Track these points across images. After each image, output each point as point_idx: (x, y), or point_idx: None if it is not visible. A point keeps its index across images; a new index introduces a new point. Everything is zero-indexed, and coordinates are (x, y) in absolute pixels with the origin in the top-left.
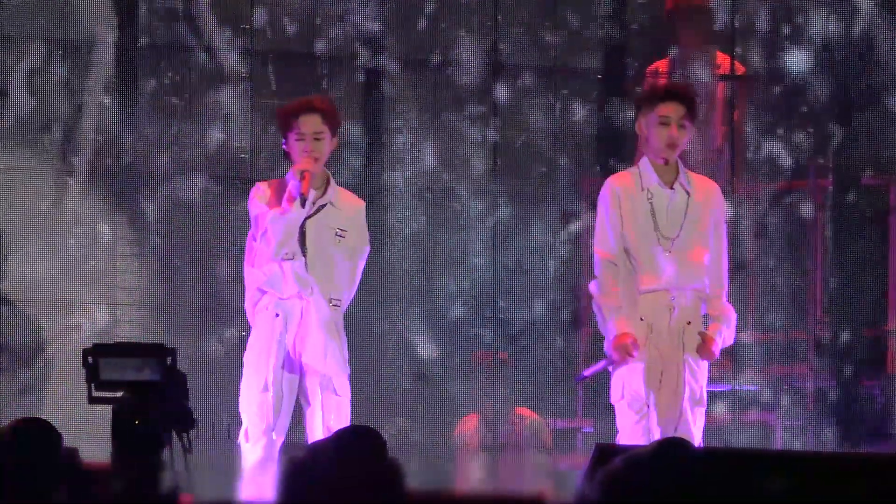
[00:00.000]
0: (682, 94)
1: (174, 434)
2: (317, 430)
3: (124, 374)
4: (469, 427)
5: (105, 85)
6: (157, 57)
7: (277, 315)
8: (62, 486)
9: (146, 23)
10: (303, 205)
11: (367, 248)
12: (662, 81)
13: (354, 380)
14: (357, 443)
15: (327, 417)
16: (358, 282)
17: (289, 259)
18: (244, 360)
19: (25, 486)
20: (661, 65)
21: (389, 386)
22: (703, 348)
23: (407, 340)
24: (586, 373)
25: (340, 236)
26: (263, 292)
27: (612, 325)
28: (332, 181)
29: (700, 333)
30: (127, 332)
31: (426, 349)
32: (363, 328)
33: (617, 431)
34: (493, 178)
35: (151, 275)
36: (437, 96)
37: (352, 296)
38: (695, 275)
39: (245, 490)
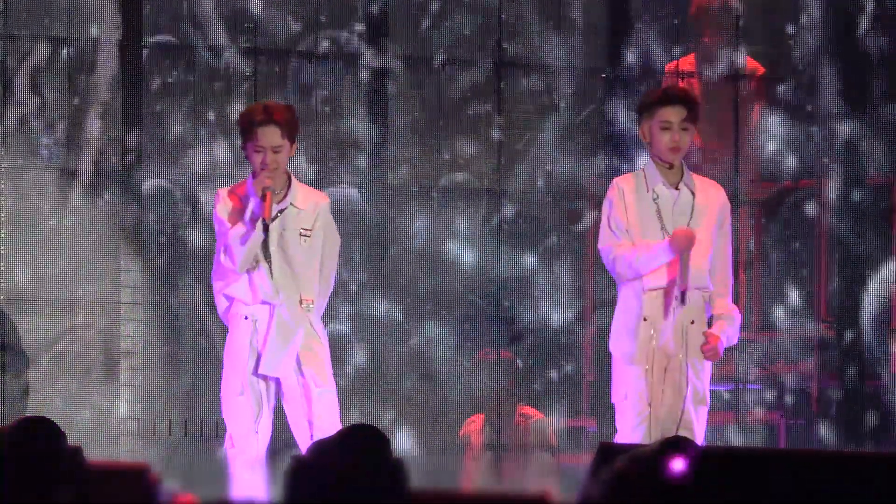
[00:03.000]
0: (681, 98)
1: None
2: (300, 425)
3: None
4: (474, 427)
5: (109, 84)
6: (161, 56)
7: (246, 318)
8: (64, 485)
9: (151, 22)
10: (265, 230)
11: (338, 242)
12: (663, 85)
13: (357, 379)
14: (361, 441)
15: (312, 411)
16: (333, 278)
17: (252, 270)
18: (223, 365)
19: (27, 485)
20: (683, 63)
21: (393, 385)
22: (708, 348)
23: (411, 339)
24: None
25: (305, 236)
26: (231, 299)
27: (653, 243)
28: (294, 181)
29: (704, 333)
30: (131, 331)
31: (431, 348)
32: (367, 327)
33: (616, 431)
34: (498, 176)
35: (156, 273)
36: (441, 95)
37: (328, 293)
38: (699, 275)
39: (236, 490)
